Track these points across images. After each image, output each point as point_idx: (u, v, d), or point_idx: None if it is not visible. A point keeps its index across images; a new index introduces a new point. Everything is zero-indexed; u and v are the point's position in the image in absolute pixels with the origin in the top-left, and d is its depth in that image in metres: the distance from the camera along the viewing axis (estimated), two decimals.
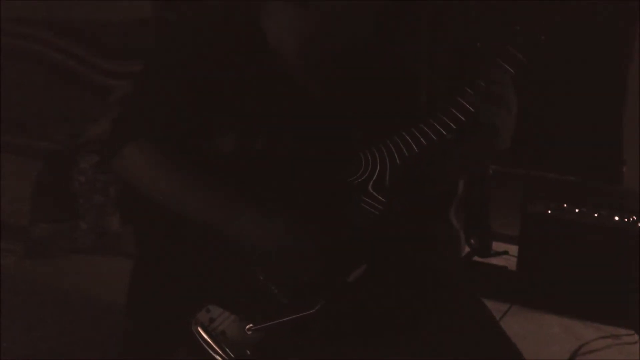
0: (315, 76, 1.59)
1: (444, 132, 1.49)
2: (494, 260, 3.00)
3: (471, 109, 1.50)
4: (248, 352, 1.45)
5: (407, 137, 1.51)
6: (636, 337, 2.75)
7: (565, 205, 2.93)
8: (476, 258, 2.96)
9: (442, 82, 1.62)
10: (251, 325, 1.46)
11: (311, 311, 1.46)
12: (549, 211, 2.93)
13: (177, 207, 1.51)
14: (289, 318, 1.46)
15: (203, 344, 1.43)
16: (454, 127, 1.50)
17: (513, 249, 3.03)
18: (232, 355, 1.44)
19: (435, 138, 1.49)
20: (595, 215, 2.88)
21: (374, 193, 1.50)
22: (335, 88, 1.59)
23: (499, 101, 1.51)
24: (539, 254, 2.95)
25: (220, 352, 1.44)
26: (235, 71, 1.53)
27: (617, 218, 2.86)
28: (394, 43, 1.62)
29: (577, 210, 2.91)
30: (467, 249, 2.94)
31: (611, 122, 2.99)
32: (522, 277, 2.97)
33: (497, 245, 3.03)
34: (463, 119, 1.49)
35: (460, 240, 2.83)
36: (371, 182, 1.51)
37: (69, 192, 3.16)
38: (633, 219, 2.84)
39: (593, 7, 2.79)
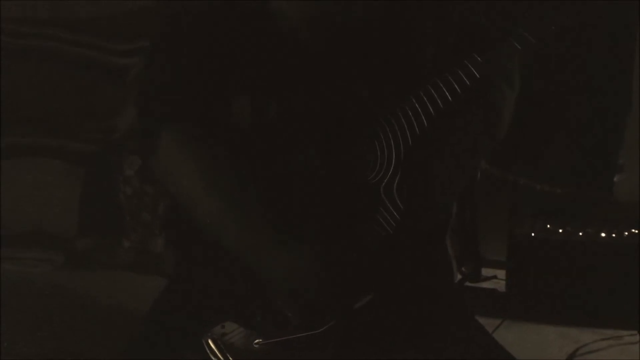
0: (320, 40, 1.55)
1: (449, 96, 1.44)
2: (483, 284, 3.03)
3: (476, 74, 1.44)
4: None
5: (416, 105, 1.46)
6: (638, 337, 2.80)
7: (548, 225, 2.95)
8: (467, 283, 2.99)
9: (449, 48, 1.58)
10: (260, 340, 1.48)
11: (318, 331, 1.48)
12: (533, 234, 2.95)
13: (206, 217, 1.51)
14: (296, 336, 1.48)
15: (210, 354, 1.46)
16: (459, 90, 1.44)
17: (500, 273, 3.07)
18: None
19: (441, 105, 1.45)
20: (580, 234, 2.91)
21: (395, 197, 1.48)
22: (341, 49, 1.55)
23: (504, 74, 1.48)
24: (527, 276, 2.98)
25: None
26: (242, 42, 1.50)
27: (603, 234, 2.89)
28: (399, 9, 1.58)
29: (560, 231, 2.93)
30: (458, 276, 2.94)
31: (606, 127, 2.96)
32: (511, 298, 2.99)
33: (484, 271, 3.06)
34: (468, 83, 1.44)
35: (454, 268, 2.83)
36: (387, 182, 1.48)
37: (115, 206, 3.11)
38: (619, 234, 2.88)
39: (593, 7, 2.74)
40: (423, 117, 1.45)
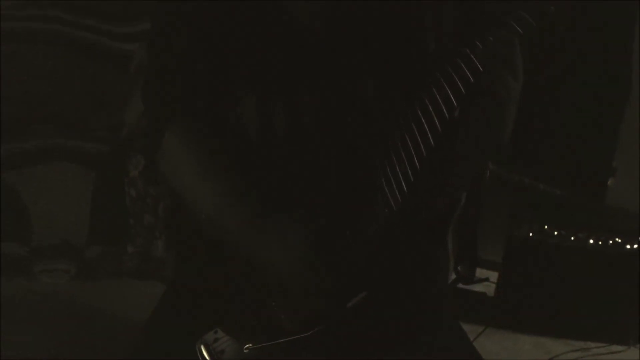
0: (323, 27, 1.53)
1: (453, 99, 1.39)
2: (475, 287, 3.01)
3: (480, 67, 1.39)
4: None
5: (419, 112, 1.41)
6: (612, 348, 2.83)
7: (545, 227, 2.93)
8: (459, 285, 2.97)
9: (449, 34, 1.55)
10: (250, 345, 1.50)
11: (306, 334, 1.49)
12: (530, 234, 2.94)
13: (207, 214, 1.52)
14: (284, 340, 1.50)
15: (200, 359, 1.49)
16: (463, 90, 1.38)
17: (493, 276, 3.09)
18: None
19: (446, 113, 1.39)
20: (572, 238, 2.90)
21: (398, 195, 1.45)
22: (344, 38, 1.52)
23: (507, 63, 1.41)
24: (518, 280, 2.98)
25: None
26: (248, 37, 1.49)
27: (591, 241, 2.89)
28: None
29: (555, 234, 2.91)
30: (453, 276, 2.93)
31: (603, 130, 2.93)
32: (499, 303, 2.99)
33: (479, 272, 3.00)
34: (472, 79, 1.39)
35: (450, 267, 2.79)
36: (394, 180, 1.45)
37: (122, 211, 3.07)
38: (608, 241, 2.89)
39: (592, 7, 2.71)
40: (426, 120, 1.42)
